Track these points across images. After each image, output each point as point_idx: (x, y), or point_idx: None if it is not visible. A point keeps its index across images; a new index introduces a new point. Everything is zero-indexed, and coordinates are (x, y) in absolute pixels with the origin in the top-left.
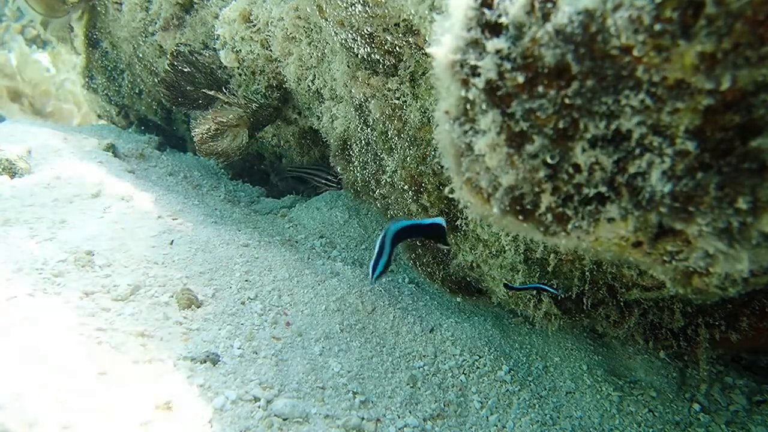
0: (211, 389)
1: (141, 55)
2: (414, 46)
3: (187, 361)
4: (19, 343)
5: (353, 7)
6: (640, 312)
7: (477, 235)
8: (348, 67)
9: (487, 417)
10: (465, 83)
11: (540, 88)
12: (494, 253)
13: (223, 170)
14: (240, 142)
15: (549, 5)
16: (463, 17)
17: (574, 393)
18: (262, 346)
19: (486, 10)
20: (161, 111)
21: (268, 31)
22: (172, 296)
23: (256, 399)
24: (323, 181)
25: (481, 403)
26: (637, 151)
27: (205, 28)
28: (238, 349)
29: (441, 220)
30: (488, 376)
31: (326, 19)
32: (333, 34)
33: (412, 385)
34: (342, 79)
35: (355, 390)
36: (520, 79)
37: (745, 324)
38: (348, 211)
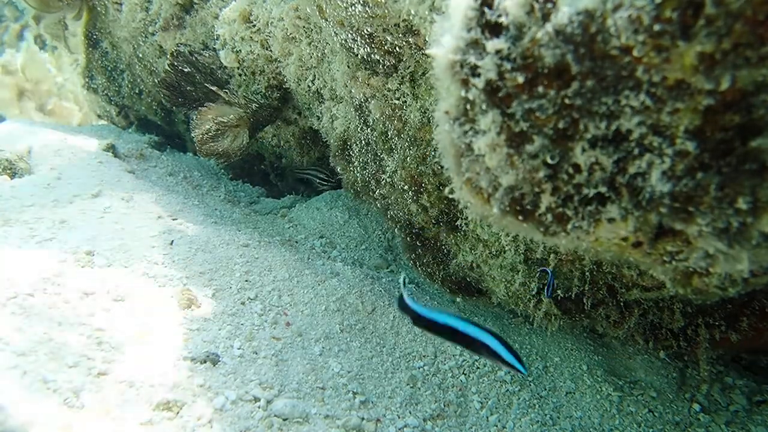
0: (211, 389)
1: (141, 56)
2: (414, 46)
3: (187, 361)
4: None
5: (353, 8)
6: (640, 312)
7: (477, 235)
8: (348, 67)
9: (487, 417)
10: (465, 83)
11: (540, 89)
12: (494, 253)
13: (223, 170)
14: (240, 143)
15: (549, 5)
16: (463, 17)
17: (574, 393)
18: (262, 346)
19: (486, 10)
20: (161, 111)
21: (268, 32)
22: (172, 296)
23: (256, 399)
24: (318, 181)
25: (481, 403)
26: (637, 151)
27: (205, 29)
28: (238, 349)
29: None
30: (488, 376)
31: (326, 20)
32: (333, 34)
33: (412, 385)
34: (342, 80)
35: (355, 390)
36: (520, 79)
37: (745, 324)
38: (348, 212)
